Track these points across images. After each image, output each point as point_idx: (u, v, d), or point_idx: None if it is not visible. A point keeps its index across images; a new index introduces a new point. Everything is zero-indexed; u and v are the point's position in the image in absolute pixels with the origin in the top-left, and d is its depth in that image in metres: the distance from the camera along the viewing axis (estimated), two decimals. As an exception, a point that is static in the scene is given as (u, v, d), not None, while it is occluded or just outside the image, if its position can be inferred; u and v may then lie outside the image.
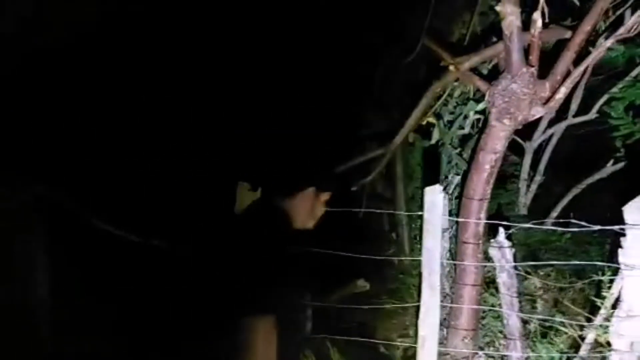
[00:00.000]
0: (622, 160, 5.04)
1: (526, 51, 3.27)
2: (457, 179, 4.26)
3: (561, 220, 2.61)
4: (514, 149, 6.11)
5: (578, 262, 2.55)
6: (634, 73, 4.61)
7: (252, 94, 4.36)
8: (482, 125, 3.74)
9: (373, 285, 3.81)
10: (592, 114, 5.03)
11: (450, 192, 4.21)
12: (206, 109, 4.31)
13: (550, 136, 5.64)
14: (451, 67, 3.35)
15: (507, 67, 3.23)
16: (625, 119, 4.75)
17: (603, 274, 2.39)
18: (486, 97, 3.35)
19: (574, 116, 5.24)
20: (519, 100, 3.17)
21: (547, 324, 2.61)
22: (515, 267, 2.84)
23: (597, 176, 5.26)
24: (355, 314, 3.42)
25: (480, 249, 3.17)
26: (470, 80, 3.45)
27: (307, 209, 1.61)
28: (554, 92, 3.20)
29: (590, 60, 3.07)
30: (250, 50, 4.38)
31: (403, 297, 3.65)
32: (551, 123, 5.59)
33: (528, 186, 5.86)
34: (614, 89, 4.76)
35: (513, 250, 2.92)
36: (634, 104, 4.71)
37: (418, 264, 3.49)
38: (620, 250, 2.25)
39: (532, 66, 3.21)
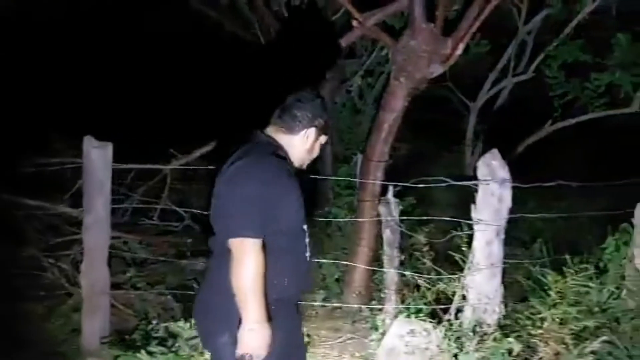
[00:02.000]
0: (560, 120, 5.00)
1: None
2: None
3: (429, 178, 2.60)
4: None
5: (439, 218, 2.56)
6: (567, 30, 4.51)
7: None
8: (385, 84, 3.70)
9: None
10: (529, 74, 4.96)
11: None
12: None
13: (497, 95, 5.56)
14: (354, 23, 3.26)
15: (409, 23, 3.16)
16: (560, 78, 4.69)
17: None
18: (389, 54, 3.30)
19: (515, 75, 5.16)
20: (417, 58, 3.11)
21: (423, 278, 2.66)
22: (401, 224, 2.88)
23: (534, 138, 5.24)
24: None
25: (375, 208, 3.20)
26: (377, 36, 3.38)
27: (308, 148, 1.54)
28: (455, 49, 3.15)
29: (483, 16, 3.00)
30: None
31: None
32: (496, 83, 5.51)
33: (474, 147, 5.85)
34: (550, 47, 4.67)
35: (400, 207, 2.95)
36: (567, 62, 4.65)
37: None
38: (472, 206, 2.27)
39: (434, 22, 3.14)
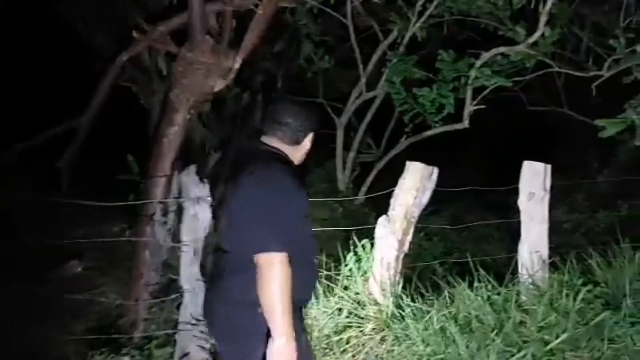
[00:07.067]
0: (410, 135, 5.02)
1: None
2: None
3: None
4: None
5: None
6: (401, 48, 4.56)
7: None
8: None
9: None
10: (378, 89, 4.98)
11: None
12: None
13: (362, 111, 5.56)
14: (135, 34, 3.15)
15: (188, 34, 3.07)
16: (402, 93, 4.71)
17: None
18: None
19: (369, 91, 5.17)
20: (194, 70, 3.01)
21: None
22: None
23: (393, 152, 5.25)
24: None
25: (159, 226, 3.04)
26: (165, 47, 3.26)
27: (307, 150, 1.63)
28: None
29: (257, 30, 2.95)
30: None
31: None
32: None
33: (345, 162, 5.81)
34: (390, 64, 4.69)
35: (167, 227, 2.81)
36: (409, 77, 4.68)
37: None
38: (181, 226, 2.16)
39: (216, 34, 3.07)
